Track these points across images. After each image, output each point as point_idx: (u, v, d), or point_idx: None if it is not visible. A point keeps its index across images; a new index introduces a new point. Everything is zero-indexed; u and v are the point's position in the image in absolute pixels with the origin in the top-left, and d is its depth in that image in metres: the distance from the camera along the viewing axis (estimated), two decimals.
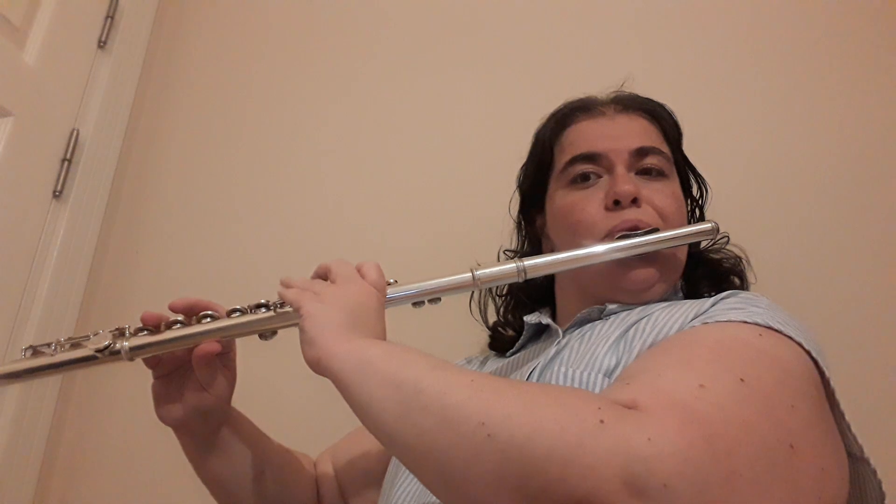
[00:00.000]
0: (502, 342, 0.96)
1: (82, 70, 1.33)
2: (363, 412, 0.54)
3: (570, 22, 1.29)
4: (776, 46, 1.16)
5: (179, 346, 0.69)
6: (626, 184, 0.77)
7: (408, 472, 0.71)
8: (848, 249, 1.01)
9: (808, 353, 0.56)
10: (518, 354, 0.87)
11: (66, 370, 0.67)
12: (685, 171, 0.89)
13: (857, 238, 1.01)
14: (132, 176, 1.40)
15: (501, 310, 0.99)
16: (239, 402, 0.78)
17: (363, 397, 0.54)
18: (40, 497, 1.15)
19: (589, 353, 0.68)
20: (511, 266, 0.73)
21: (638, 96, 0.88)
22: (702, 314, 0.63)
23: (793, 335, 0.57)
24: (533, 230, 0.94)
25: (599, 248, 0.75)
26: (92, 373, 1.20)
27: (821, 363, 0.57)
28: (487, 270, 0.73)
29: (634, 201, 0.77)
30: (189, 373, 0.73)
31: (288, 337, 0.68)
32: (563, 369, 0.68)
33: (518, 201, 0.97)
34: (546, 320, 0.84)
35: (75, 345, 0.67)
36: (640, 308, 0.73)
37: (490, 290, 0.99)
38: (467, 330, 1.01)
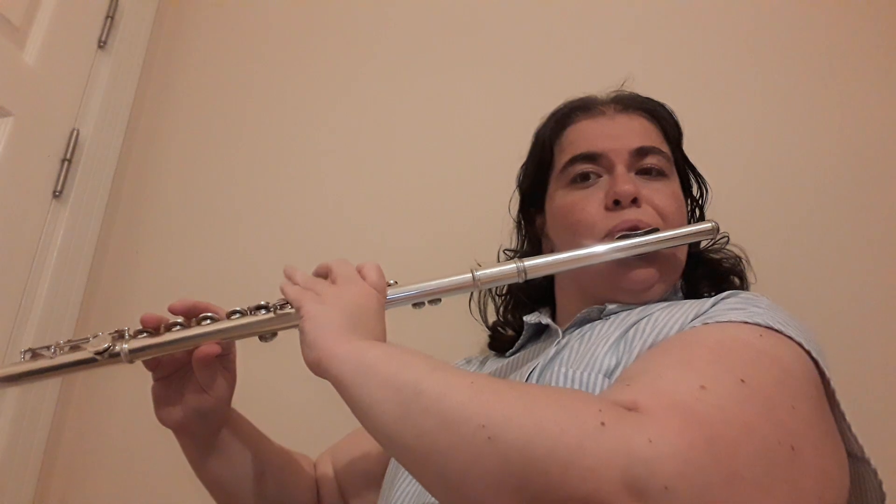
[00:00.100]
0: (502, 342, 0.96)
1: (82, 70, 1.33)
2: (363, 414, 0.54)
3: (570, 22, 1.29)
4: (776, 46, 1.15)
5: (179, 348, 0.69)
6: (626, 184, 0.77)
7: (407, 473, 0.71)
8: (848, 249, 1.01)
9: (809, 353, 0.56)
10: (518, 354, 0.87)
11: (66, 373, 0.67)
12: (685, 170, 0.89)
13: (857, 238, 1.01)
14: (132, 176, 1.40)
15: (501, 310, 0.99)
16: (239, 403, 0.78)
17: (363, 399, 0.54)
18: (40, 497, 1.15)
19: (589, 353, 0.68)
20: (511, 266, 0.73)
21: (638, 96, 0.88)
22: (702, 314, 0.63)
23: (793, 335, 0.57)
24: (533, 230, 0.94)
25: (599, 248, 0.75)
26: (92, 375, 1.20)
27: (821, 363, 0.57)
28: (487, 271, 0.73)
29: (634, 201, 0.77)
30: (189, 375, 0.72)
31: (288, 338, 0.68)
32: (562, 369, 0.68)
33: (518, 201, 0.97)
34: (546, 320, 0.84)
35: (75, 347, 0.67)
36: (640, 308, 0.73)
37: (490, 289, 0.99)
38: (467, 330, 1.01)
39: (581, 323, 0.78)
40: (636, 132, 0.83)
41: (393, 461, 0.80)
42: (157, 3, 1.52)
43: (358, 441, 0.89)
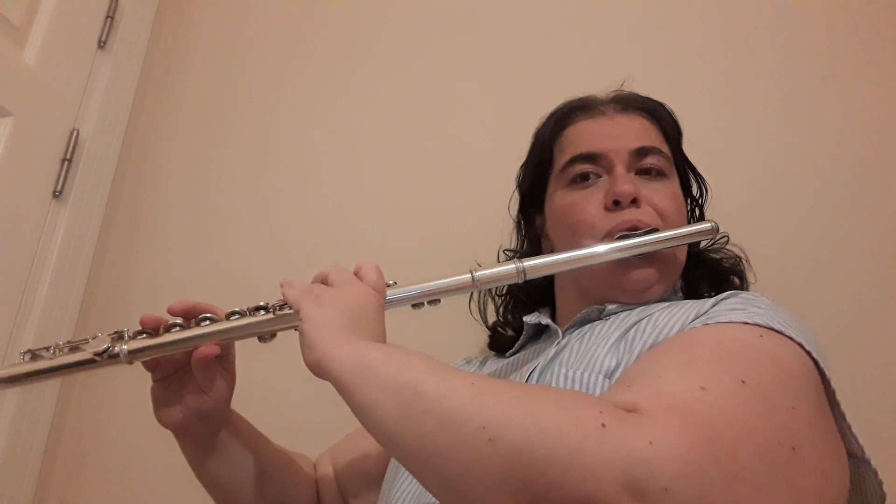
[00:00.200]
0: (502, 342, 0.96)
1: (82, 70, 1.32)
2: (363, 415, 0.54)
3: (570, 22, 1.29)
4: (776, 47, 1.15)
5: (178, 349, 0.69)
6: (626, 184, 0.77)
7: (407, 473, 0.71)
8: (848, 249, 1.01)
9: (809, 353, 0.56)
10: (518, 355, 0.87)
11: (65, 374, 0.67)
12: (685, 170, 0.89)
13: (857, 238, 1.01)
14: (132, 176, 1.40)
15: (501, 310, 0.99)
16: (238, 404, 0.77)
17: (363, 400, 0.53)
18: (40, 497, 1.15)
19: (589, 353, 0.68)
20: (510, 267, 0.73)
21: (638, 96, 0.88)
22: (702, 315, 0.63)
23: (793, 336, 0.57)
24: (532, 230, 0.94)
25: (599, 248, 0.75)
26: (91, 376, 1.20)
27: (821, 364, 0.57)
28: (487, 272, 0.73)
29: (634, 201, 0.77)
30: (188, 375, 0.72)
31: (287, 339, 0.68)
32: (562, 370, 0.68)
33: (518, 201, 0.96)
34: (546, 321, 0.84)
35: (74, 348, 0.67)
36: (640, 308, 0.73)
37: (490, 290, 0.99)
38: (467, 330, 1.01)
39: (581, 323, 0.78)
40: (636, 132, 0.83)
41: (393, 461, 0.80)
42: (157, 3, 1.52)
43: (358, 441, 0.89)
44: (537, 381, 0.70)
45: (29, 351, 0.67)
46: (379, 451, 0.86)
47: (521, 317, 0.92)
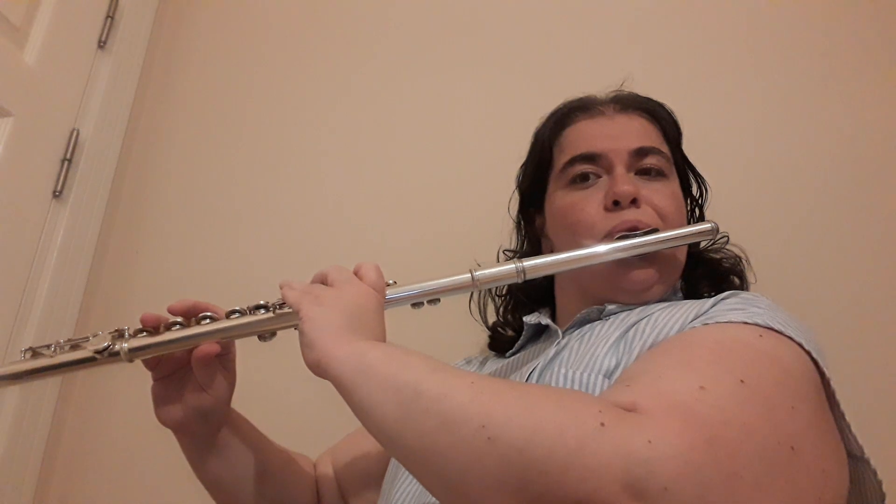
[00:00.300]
0: (502, 342, 0.96)
1: (82, 70, 1.33)
2: (364, 415, 0.54)
3: (570, 22, 1.29)
4: (776, 46, 1.15)
5: (179, 348, 0.69)
6: (626, 184, 0.77)
7: (407, 472, 0.71)
8: (848, 249, 1.01)
9: (809, 353, 0.56)
10: (518, 355, 0.87)
11: (66, 371, 0.67)
12: (685, 170, 0.89)
13: (857, 238, 1.01)
14: (132, 176, 1.40)
15: (501, 310, 0.99)
16: (238, 403, 0.77)
17: (363, 400, 0.53)
18: (40, 497, 1.15)
19: (589, 353, 0.68)
20: (510, 267, 0.73)
21: (637, 96, 0.88)
22: (702, 315, 0.63)
23: (793, 336, 0.57)
24: (532, 230, 0.94)
25: (599, 248, 0.75)
26: (91, 374, 1.20)
27: (821, 364, 0.57)
28: (486, 271, 0.73)
29: (634, 202, 0.77)
30: (188, 374, 0.72)
31: (287, 338, 0.68)
32: (562, 370, 0.68)
33: (518, 201, 0.96)
34: (545, 321, 0.84)
35: (75, 346, 0.67)
36: (640, 308, 0.73)
37: (490, 290, 0.99)
38: (467, 330, 1.01)
39: (581, 323, 0.78)
40: (636, 132, 0.83)
41: (393, 461, 0.80)
42: (157, 3, 1.52)
43: (358, 441, 0.89)
44: (537, 382, 0.70)
45: (30, 349, 0.67)
46: (379, 450, 0.86)
47: (521, 317, 0.92)
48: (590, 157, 0.81)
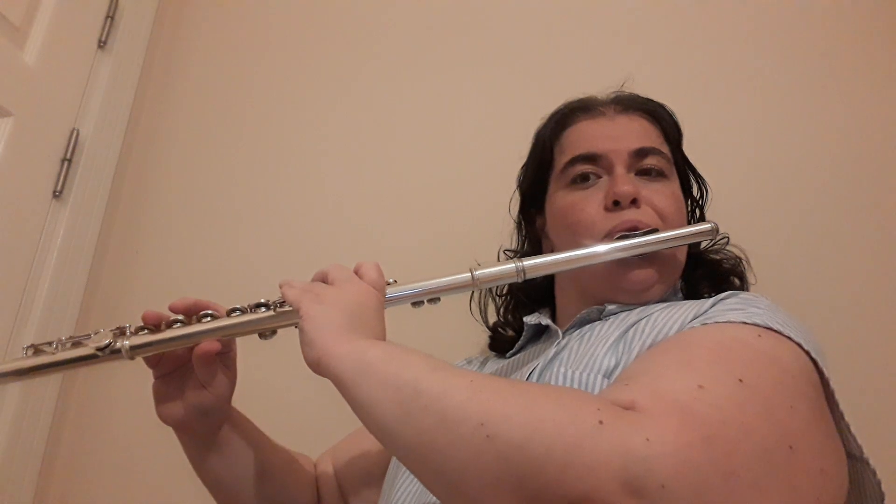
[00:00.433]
0: (502, 343, 0.96)
1: (82, 70, 1.33)
2: (363, 413, 0.54)
3: (570, 22, 1.29)
4: (776, 47, 1.16)
5: (180, 345, 0.69)
6: (626, 184, 0.77)
7: (408, 472, 0.71)
8: (848, 249, 1.01)
9: (808, 353, 0.56)
10: (518, 355, 0.87)
11: (67, 368, 0.68)
12: (685, 171, 0.89)
13: (857, 238, 1.01)
14: (132, 176, 1.40)
15: (501, 310, 0.99)
16: (239, 402, 0.78)
17: (363, 398, 0.54)
18: (40, 497, 1.15)
19: (588, 353, 0.68)
20: (510, 266, 0.73)
21: (638, 96, 0.88)
22: (701, 315, 0.63)
23: (792, 336, 0.57)
24: (533, 230, 0.94)
25: (599, 248, 0.75)
26: (92, 372, 1.20)
27: (820, 363, 0.57)
28: (487, 270, 0.73)
29: (634, 202, 0.77)
30: (189, 372, 0.73)
31: (288, 336, 0.68)
32: (562, 370, 0.68)
33: (518, 201, 0.97)
34: (545, 321, 0.84)
35: (76, 343, 0.67)
36: (640, 308, 0.73)
37: (490, 290, 0.99)
38: (467, 330, 1.01)
39: (581, 323, 0.78)
40: (636, 133, 0.83)
41: (394, 460, 0.80)
42: (157, 3, 1.52)
43: (358, 441, 0.89)
44: (537, 381, 0.70)
45: (32, 346, 0.67)
46: (379, 450, 0.86)
47: (521, 317, 0.92)
48: (590, 158, 0.81)
